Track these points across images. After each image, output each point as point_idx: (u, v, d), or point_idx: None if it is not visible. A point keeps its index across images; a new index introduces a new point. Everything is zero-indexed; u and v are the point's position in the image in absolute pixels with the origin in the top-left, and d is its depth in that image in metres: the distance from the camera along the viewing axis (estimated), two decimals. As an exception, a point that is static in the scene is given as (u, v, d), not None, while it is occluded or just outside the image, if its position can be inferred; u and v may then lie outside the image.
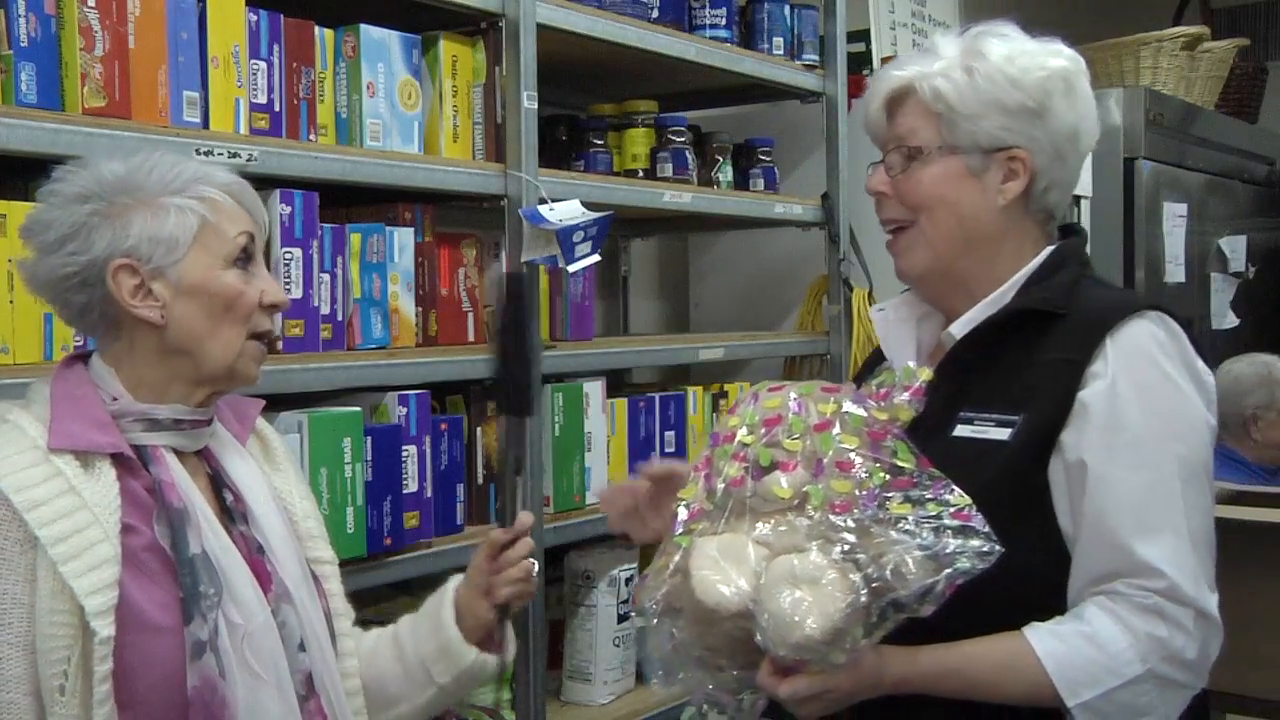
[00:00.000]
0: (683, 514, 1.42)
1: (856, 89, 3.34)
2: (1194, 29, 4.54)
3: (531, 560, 1.63)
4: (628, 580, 2.67)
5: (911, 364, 1.53)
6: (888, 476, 1.36)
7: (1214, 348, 4.51)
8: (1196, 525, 1.44)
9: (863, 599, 1.30)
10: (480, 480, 2.38)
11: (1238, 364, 3.97)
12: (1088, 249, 1.65)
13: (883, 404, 1.46)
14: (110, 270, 1.38)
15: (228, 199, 1.44)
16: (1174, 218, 4.43)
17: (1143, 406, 1.44)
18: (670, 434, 2.82)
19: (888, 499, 1.35)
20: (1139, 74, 4.41)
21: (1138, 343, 1.47)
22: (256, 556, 1.46)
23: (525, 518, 1.63)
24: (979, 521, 1.34)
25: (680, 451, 2.83)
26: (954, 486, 1.36)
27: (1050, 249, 1.59)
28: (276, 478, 1.59)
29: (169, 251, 1.40)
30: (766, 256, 3.53)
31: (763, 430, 1.41)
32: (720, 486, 1.40)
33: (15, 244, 1.67)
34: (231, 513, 1.47)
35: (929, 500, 1.35)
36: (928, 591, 1.30)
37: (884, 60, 3.64)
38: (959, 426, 1.51)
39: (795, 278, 3.40)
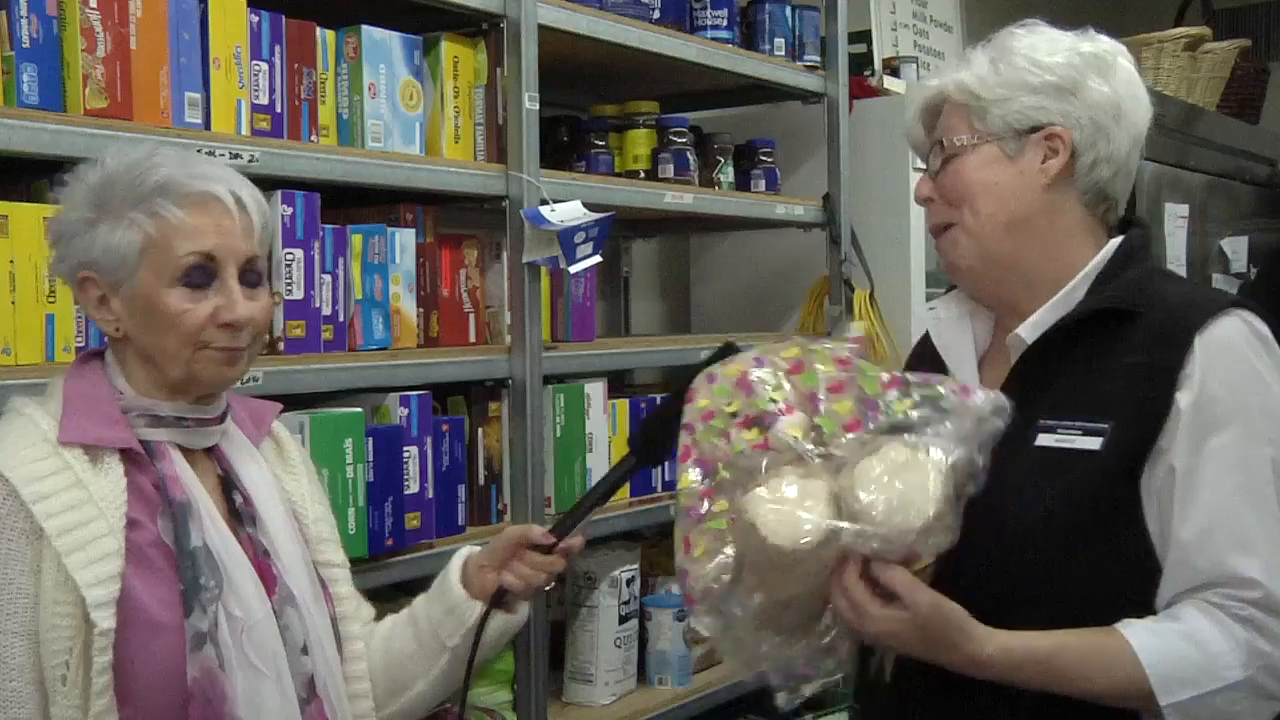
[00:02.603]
0: (692, 499, 1.36)
1: (858, 90, 3.35)
2: (1195, 30, 4.54)
3: (552, 574, 1.63)
4: (629, 581, 2.67)
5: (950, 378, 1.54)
6: (880, 381, 1.37)
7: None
8: None
9: (945, 473, 1.30)
10: (481, 481, 2.38)
11: None
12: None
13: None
14: (78, 280, 1.41)
15: (183, 215, 1.38)
16: (1175, 218, 4.42)
17: (1234, 409, 1.39)
18: (671, 435, 2.81)
19: (889, 402, 1.36)
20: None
21: (1228, 342, 1.42)
22: (262, 559, 1.46)
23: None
24: (976, 385, 1.38)
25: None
26: (934, 374, 1.40)
27: (1117, 241, 1.53)
28: (289, 481, 1.59)
29: (119, 267, 1.39)
30: (768, 257, 3.53)
31: (742, 394, 1.39)
32: (732, 456, 1.36)
33: (16, 244, 1.68)
34: (240, 515, 1.47)
35: (917, 386, 1.37)
36: (980, 457, 1.33)
37: (885, 61, 3.65)
38: (1041, 435, 1.45)
39: (796, 279, 3.39)
